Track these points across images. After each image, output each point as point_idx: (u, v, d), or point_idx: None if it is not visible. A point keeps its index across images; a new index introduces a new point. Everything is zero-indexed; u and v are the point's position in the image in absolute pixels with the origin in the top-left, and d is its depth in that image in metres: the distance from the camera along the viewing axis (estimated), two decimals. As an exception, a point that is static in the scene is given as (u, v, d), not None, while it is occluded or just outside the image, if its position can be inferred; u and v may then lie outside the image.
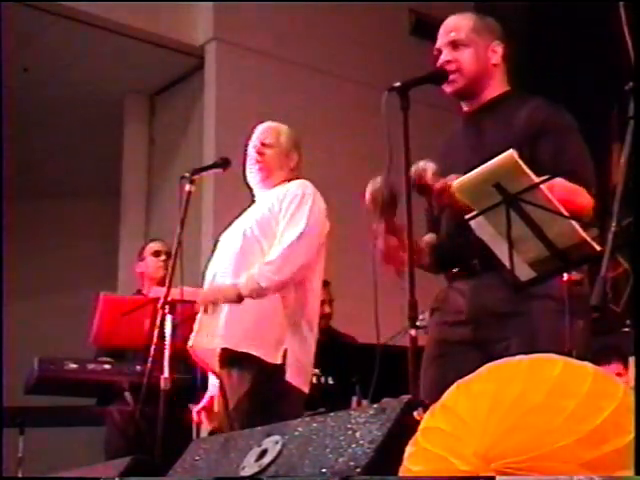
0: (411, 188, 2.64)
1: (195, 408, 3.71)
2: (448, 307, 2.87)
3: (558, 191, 2.43)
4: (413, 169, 2.70)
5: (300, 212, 3.51)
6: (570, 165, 2.69)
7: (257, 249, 3.52)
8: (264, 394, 3.35)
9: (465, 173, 2.49)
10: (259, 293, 3.40)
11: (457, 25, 2.94)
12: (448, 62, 2.89)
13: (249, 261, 3.49)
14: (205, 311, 3.51)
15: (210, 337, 3.49)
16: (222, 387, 3.50)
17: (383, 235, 2.77)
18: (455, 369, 2.70)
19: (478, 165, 2.43)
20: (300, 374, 3.45)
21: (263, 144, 3.72)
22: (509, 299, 2.66)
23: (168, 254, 5.02)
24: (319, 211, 3.56)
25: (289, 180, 3.68)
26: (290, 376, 3.39)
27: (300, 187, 3.58)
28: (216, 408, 3.61)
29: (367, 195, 2.76)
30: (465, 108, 2.98)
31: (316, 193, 3.60)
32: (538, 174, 2.39)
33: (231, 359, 3.44)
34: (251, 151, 3.73)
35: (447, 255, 2.90)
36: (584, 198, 2.66)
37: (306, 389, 3.49)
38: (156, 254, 5.15)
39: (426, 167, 2.70)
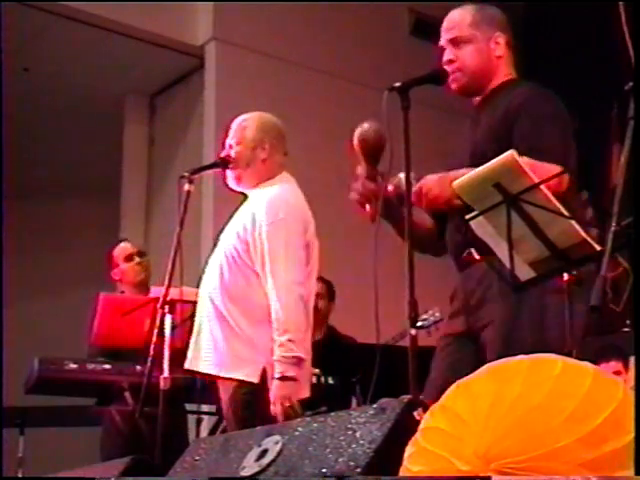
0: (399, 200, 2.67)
1: None
2: (452, 299, 2.88)
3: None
4: (390, 184, 2.73)
5: (276, 251, 3.37)
6: (539, 146, 2.64)
7: (239, 269, 3.45)
8: (254, 410, 3.32)
9: (467, 166, 2.51)
10: (299, 362, 3.31)
11: (457, 21, 2.92)
12: (450, 61, 2.88)
13: (233, 279, 3.44)
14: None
15: (195, 360, 3.48)
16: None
17: (362, 179, 2.76)
18: (454, 362, 2.72)
19: (471, 159, 2.44)
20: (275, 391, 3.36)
21: (230, 146, 3.64)
22: (493, 285, 2.67)
23: (140, 254, 5.05)
24: (295, 231, 3.42)
25: (268, 171, 3.56)
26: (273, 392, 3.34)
27: (268, 214, 3.41)
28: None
29: (354, 139, 2.75)
30: (473, 101, 2.97)
31: (288, 208, 3.45)
32: None
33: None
34: (222, 154, 3.67)
35: (452, 247, 2.91)
36: (549, 170, 2.55)
37: (307, 389, 3.45)
38: (128, 259, 5.12)
39: (400, 179, 2.71)
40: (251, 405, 3.33)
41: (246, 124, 3.66)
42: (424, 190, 2.65)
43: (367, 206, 2.79)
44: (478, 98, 2.94)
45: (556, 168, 2.57)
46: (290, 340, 3.29)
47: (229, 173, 3.64)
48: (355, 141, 2.76)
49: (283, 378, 3.27)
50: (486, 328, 2.71)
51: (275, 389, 3.28)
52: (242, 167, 3.59)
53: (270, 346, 3.33)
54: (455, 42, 2.89)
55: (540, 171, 2.46)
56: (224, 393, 3.44)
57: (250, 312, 3.41)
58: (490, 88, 2.91)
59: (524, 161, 2.42)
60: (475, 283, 2.77)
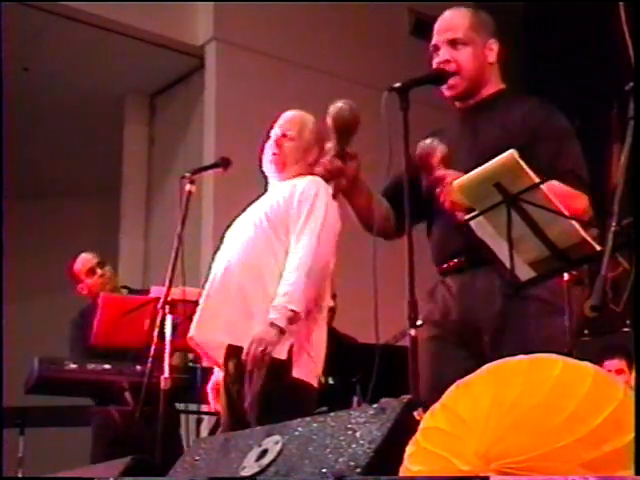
0: (413, 162, 2.64)
1: (209, 387, 3.59)
2: (437, 304, 2.86)
3: (555, 195, 2.42)
4: (420, 146, 2.70)
5: (315, 213, 3.42)
6: (567, 168, 2.67)
7: (267, 241, 3.43)
8: (275, 390, 3.28)
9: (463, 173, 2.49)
10: (295, 319, 3.30)
11: (455, 22, 2.90)
12: (447, 62, 2.86)
13: (258, 252, 3.42)
14: None
15: (212, 331, 3.41)
16: (226, 379, 3.44)
17: (331, 155, 2.74)
18: (446, 367, 2.72)
19: (474, 166, 2.43)
20: (308, 368, 3.37)
21: (284, 135, 3.59)
22: (495, 299, 2.67)
23: (101, 264, 5.06)
24: (333, 209, 3.46)
25: (304, 175, 3.57)
26: (297, 372, 3.33)
27: (313, 185, 3.45)
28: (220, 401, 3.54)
29: (328, 116, 2.72)
30: (458, 105, 2.94)
31: (328, 190, 3.55)
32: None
33: (238, 354, 3.35)
34: (271, 139, 3.61)
35: (439, 250, 2.89)
36: (581, 201, 2.64)
37: (315, 382, 3.43)
38: (91, 273, 5.13)
39: (435, 148, 2.69)
40: (281, 381, 3.30)
41: (305, 122, 3.64)
42: (448, 180, 2.62)
43: (331, 184, 2.78)
44: (462, 104, 2.91)
45: (581, 196, 2.63)
46: (294, 293, 3.29)
47: (273, 159, 3.59)
48: (328, 118, 2.73)
49: (272, 324, 3.25)
50: (487, 339, 2.70)
51: (259, 331, 3.25)
52: (290, 161, 3.57)
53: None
54: (453, 43, 2.87)
55: (567, 196, 2.50)
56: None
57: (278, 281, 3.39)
58: (484, 95, 2.90)
59: (558, 188, 2.47)
60: (472, 292, 2.76)
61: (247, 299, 3.39)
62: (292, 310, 3.28)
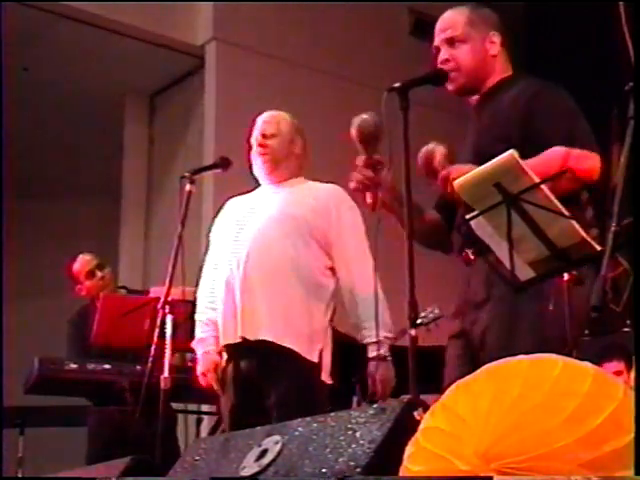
0: (419, 170, 2.67)
1: (198, 371, 3.54)
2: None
3: (557, 160, 2.46)
4: (422, 151, 2.73)
5: (360, 232, 3.49)
6: (568, 134, 2.66)
7: (303, 243, 3.46)
8: (308, 391, 3.34)
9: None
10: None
11: (452, 21, 2.92)
12: (446, 61, 2.88)
13: (293, 253, 3.43)
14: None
15: (249, 328, 3.38)
16: (237, 377, 3.43)
17: (361, 167, 2.78)
18: (458, 364, 2.73)
19: (475, 158, 2.44)
20: (326, 371, 3.47)
21: (264, 135, 3.64)
22: (484, 285, 2.69)
23: (100, 267, 5.06)
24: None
25: (299, 168, 3.64)
26: (325, 375, 3.42)
27: (344, 196, 3.54)
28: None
29: (352, 128, 2.76)
30: (470, 100, 2.98)
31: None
32: (534, 155, 2.42)
33: (267, 352, 3.37)
34: (254, 144, 3.66)
35: (456, 244, 2.92)
36: (591, 161, 2.62)
37: (330, 380, 3.51)
38: (90, 275, 5.13)
39: (435, 150, 2.72)
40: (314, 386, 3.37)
41: (279, 119, 3.70)
42: (452, 175, 2.64)
43: (367, 195, 2.80)
44: (475, 97, 2.95)
45: (589, 154, 2.62)
46: (388, 321, 3.38)
47: (262, 160, 3.62)
48: (353, 130, 2.76)
49: (387, 360, 3.39)
50: (481, 331, 2.70)
51: (382, 369, 3.38)
52: (280, 157, 3.62)
53: (324, 324, 3.43)
54: (450, 42, 2.89)
55: (576, 157, 2.55)
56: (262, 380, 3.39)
57: (313, 287, 3.44)
58: (487, 87, 2.92)
59: (556, 152, 2.50)
60: (472, 284, 2.77)
61: (288, 298, 3.41)
62: (390, 337, 3.42)
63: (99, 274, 5.12)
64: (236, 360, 3.43)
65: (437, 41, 2.93)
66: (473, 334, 2.73)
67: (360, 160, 2.78)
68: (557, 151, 2.59)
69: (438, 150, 2.71)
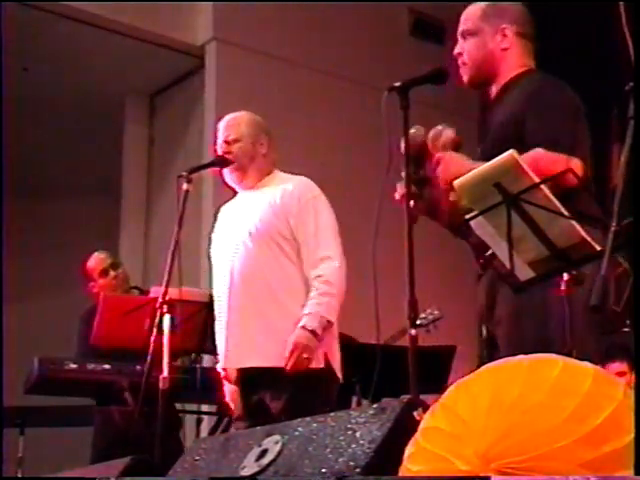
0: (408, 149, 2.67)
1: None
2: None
3: (534, 163, 2.43)
4: (432, 130, 2.75)
5: (322, 219, 3.48)
6: (547, 138, 2.65)
7: (271, 254, 3.46)
8: (318, 397, 3.35)
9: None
10: (328, 327, 3.40)
11: (468, 14, 2.96)
12: (459, 54, 2.93)
13: (263, 267, 3.45)
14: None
15: (241, 358, 3.45)
16: (245, 403, 3.50)
17: (406, 182, 2.77)
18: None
19: (485, 154, 2.44)
20: (339, 369, 3.48)
21: (227, 142, 3.63)
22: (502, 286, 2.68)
23: (114, 266, 5.04)
24: (329, 206, 3.56)
25: (269, 165, 3.62)
26: (338, 373, 3.45)
27: (307, 189, 3.53)
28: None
29: (401, 144, 2.76)
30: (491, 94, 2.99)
31: (315, 185, 3.59)
32: (524, 151, 2.41)
33: (261, 372, 3.42)
34: (219, 153, 3.66)
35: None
36: (560, 166, 2.56)
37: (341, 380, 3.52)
38: (104, 274, 5.11)
39: (442, 132, 2.75)
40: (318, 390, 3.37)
41: (240, 121, 3.67)
42: (442, 164, 2.64)
43: (410, 205, 2.79)
44: (493, 92, 2.94)
45: (563, 159, 2.58)
46: (330, 302, 3.37)
47: (229, 171, 3.64)
48: (402, 144, 2.76)
49: (311, 331, 3.33)
50: (497, 327, 2.72)
51: (300, 337, 3.32)
52: (246, 162, 3.60)
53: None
54: (463, 35, 2.93)
55: (546, 161, 2.51)
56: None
57: (295, 292, 3.44)
58: (504, 81, 2.91)
59: (530, 155, 2.45)
60: (488, 284, 2.78)
61: (265, 317, 3.42)
62: (328, 320, 3.37)
63: (112, 273, 5.10)
64: (243, 385, 3.49)
65: (458, 35, 2.97)
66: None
67: (405, 174, 2.78)
68: (530, 155, 2.56)
69: (446, 133, 2.73)
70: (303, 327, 3.33)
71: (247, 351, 3.43)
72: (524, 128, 2.69)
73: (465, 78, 2.91)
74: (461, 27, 2.93)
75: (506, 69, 2.90)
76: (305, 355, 3.29)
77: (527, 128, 2.69)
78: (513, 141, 2.57)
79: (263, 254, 3.45)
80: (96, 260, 5.20)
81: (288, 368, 3.30)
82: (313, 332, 3.32)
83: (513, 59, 2.91)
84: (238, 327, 3.44)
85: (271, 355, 3.38)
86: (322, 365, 3.38)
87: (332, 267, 3.41)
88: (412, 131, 2.77)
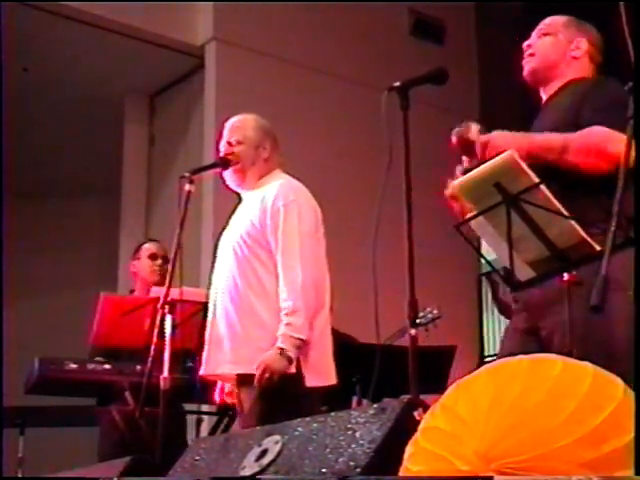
0: (455, 149, 2.73)
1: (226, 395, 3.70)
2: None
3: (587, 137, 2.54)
4: (456, 130, 2.79)
5: (289, 228, 3.42)
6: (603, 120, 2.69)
7: (249, 266, 3.47)
8: (288, 402, 3.33)
9: None
10: (303, 344, 3.36)
11: (551, 19, 3.09)
12: (528, 46, 3.01)
13: (242, 279, 3.46)
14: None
15: (218, 364, 3.48)
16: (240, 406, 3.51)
17: (459, 176, 2.79)
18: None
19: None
20: (319, 373, 3.45)
21: (230, 144, 3.64)
22: (553, 288, 2.66)
23: (165, 259, 4.96)
24: (307, 212, 3.49)
25: (268, 169, 3.61)
26: (314, 380, 3.41)
27: (281, 194, 3.48)
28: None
29: (452, 137, 2.81)
30: (542, 96, 3.05)
31: (298, 192, 3.54)
32: None
33: (243, 379, 3.45)
34: (221, 153, 3.67)
35: None
36: (617, 145, 2.53)
37: (330, 382, 3.51)
38: (153, 257, 5.05)
39: (470, 125, 2.78)
40: (285, 395, 3.34)
41: (245, 124, 3.68)
42: (491, 143, 2.67)
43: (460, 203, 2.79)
44: (547, 93, 3.00)
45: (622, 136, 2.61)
46: (297, 321, 3.33)
47: (230, 173, 3.64)
48: (453, 138, 2.80)
49: (282, 353, 3.31)
50: (545, 329, 2.70)
51: (268, 357, 3.30)
52: (247, 166, 3.60)
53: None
54: (540, 34, 3.04)
55: (590, 134, 2.60)
56: (244, 389, 3.44)
57: (271, 302, 3.42)
58: (560, 86, 2.97)
59: (603, 129, 2.57)
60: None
61: (240, 325, 3.44)
62: (299, 339, 3.33)
63: (159, 261, 5.03)
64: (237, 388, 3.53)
65: (532, 38, 3.05)
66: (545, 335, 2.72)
67: (459, 169, 2.79)
68: (599, 129, 2.63)
69: (472, 125, 2.76)
70: (276, 347, 3.33)
71: (221, 357, 3.47)
72: (581, 114, 2.74)
73: (528, 68, 2.99)
74: (540, 27, 3.05)
75: (569, 74, 2.99)
76: (267, 375, 3.30)
77: (583, 115, 2.75)
78: (570, 125, 2.63)
79: (245, 261, 3.47)
80: (152, 245, 5.14)
81: (255, 384, 3.32)
82: (282, 353, 3.31)
83: (578, 67, 3.01)
84: (216, 334, 3.50)
85: (243, 362, 3.40)
86: (293, 370, 3.36)
87: (292, 282, 3.36)
88: (463, 123, 2.80)
